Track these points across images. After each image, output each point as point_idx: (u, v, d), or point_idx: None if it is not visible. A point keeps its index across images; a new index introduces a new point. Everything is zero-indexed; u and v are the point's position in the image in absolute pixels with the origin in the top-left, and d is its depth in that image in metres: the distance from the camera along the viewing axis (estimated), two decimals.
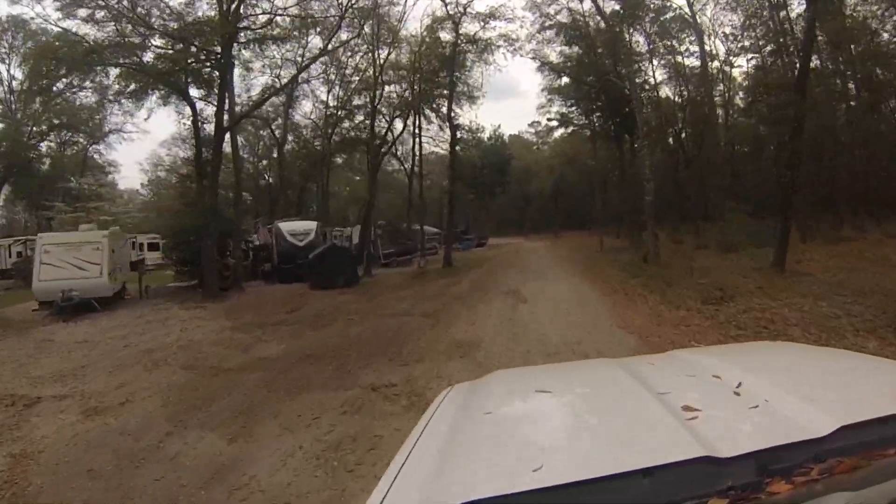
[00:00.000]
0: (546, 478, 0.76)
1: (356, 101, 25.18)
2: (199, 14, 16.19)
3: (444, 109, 23.16)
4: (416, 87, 21.46)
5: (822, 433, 0.79)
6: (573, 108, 34.66)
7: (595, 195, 44.92)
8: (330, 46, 18.52)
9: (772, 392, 0.99)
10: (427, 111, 23.97)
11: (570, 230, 49.46)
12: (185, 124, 21.61)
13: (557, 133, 55.45)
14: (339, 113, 25.22)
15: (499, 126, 44.71)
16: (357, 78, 24.20)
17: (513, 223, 56.78)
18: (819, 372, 1.23)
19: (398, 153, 31.31)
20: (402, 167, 33.70)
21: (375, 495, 0.86)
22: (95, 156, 37.31)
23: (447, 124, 21.66)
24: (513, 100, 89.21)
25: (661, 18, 26.68)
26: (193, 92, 17.57)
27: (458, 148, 22.19)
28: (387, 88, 24.48)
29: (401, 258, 24.40)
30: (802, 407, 0.91)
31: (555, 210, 50.45)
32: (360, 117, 25.65)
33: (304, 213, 32.38)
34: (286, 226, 21.76)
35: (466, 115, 51.20)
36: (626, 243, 25.97)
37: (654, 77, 30.21)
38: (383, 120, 25.65)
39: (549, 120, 31.35)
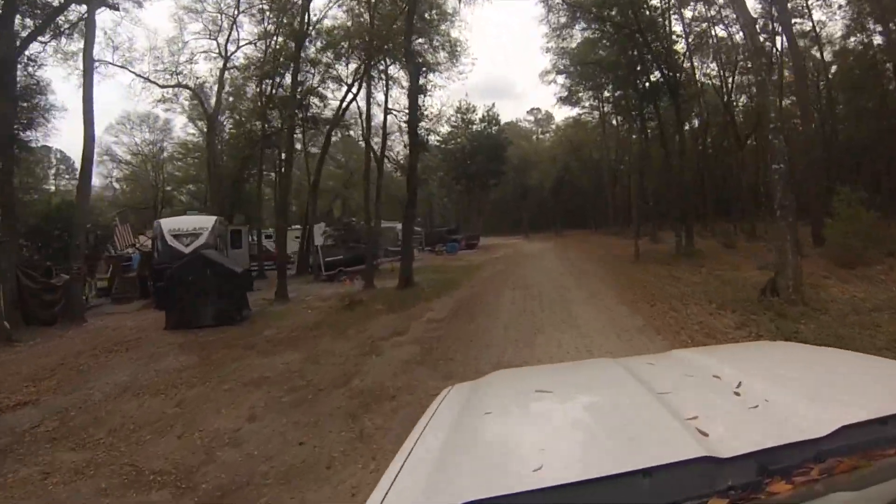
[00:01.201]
0: (546, 478, 0.74)
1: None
2: None
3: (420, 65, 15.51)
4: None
5: (822, 433, 0.77)
6: (582, 85, 27.39)
7: (608, 187, 37.69)
8: None
9: (772, 392, 0.97)
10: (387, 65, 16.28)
11: (573, 228, 42.15)
12: None
13: (560, 118, 48.20)
14: (275, 67, 17.48)
15: (492, 105, 36.84)
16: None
17: (509, 220, 49.02)
18: (819, 372, 1.19)
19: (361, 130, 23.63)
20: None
21: (375, 495, 0.83)
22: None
23: (405, 62, 13.92)
24: (508, 100, 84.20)
25: None
26: None
27: (423, 101, 14.49)
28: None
29: (353, 269, 16.79)
30: (802, 407, 0.89)
31: (556, 206, 42.60)
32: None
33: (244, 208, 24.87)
34: (170, 223, 14.32)
35: (454, 91, 43.23)
36: (664, 247, 18.49)
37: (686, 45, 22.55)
38: (330, 83, 18.08)
39: (558, 72, 23.63)
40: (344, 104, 19.11)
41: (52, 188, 46.10)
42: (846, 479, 0.64)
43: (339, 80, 18.05)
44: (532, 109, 55.72)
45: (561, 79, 26.37)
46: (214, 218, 14.94)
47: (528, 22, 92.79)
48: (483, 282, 14.06)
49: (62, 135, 62.16)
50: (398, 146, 21.86)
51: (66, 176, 48.42)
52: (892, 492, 0.61)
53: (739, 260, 14.03)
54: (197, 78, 25.41)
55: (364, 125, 15.56)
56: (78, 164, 39.86)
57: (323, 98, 17.65)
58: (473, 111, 35.59)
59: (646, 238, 28.75)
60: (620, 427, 0.93)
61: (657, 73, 17.92)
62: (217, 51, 23.12)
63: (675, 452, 0.74)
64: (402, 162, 16.44)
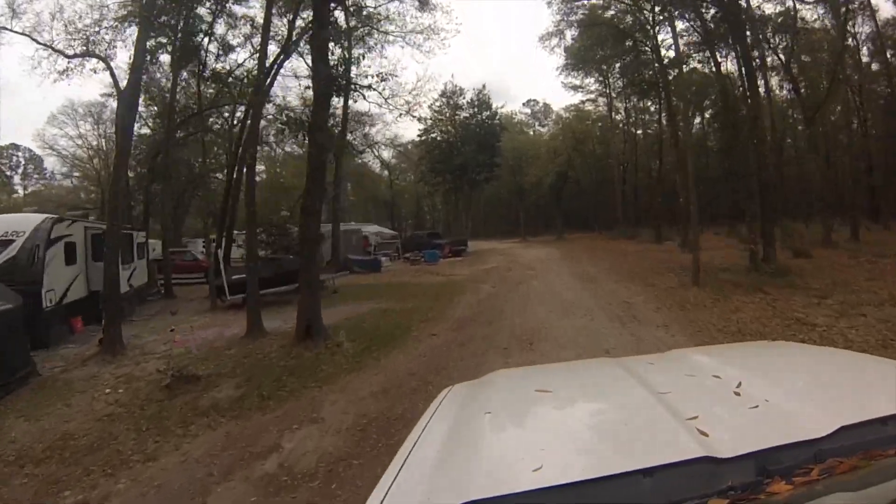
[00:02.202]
0: (546, 478, 0.75)
1: None
2: None
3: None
4: None
5: (821, 433, 0.78)
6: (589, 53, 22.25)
7: (618, 183, 32.33)
8: None
9: (772, 392, 0.98)
10: None
11: (575, 230, 39.13)
12: None
13: (560, 106, 43.12)
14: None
15: (483, 87, 31.49)
16: None
17: (504, 221, 43.93)
18: (819, 372, 1.21)
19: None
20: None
21: (375, 495, 0.84)
22: None
23: None
24: (503, 102, 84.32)
25: None
26: None
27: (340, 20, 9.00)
28: None
29: (275, 290, 11.29)
30: (802, 407, 0.90)
31: (557, 205, 37.22)
32: None
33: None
34: None
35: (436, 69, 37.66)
36: (712, 257, 12.95)
37: None
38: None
39: (566, 27, 18.44)
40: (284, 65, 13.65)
41: (21, 189, 42.13)
42: (846, 480, 0.64)
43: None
44: (529, 101, 50.77)
45: (564, 44, 21.07)
46: (41, 217, 9.59)
47: (524, 20, 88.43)
48: (456, 326, 8.33)
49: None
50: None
51: (36, 175, 44.04)
52: (892, 492, 0.61)
53: (869, 285, 8.68)
54: (107, 42, 19.88)
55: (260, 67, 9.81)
56: (47, 164, 32.78)
57: (221, 41, 12.25)
58: (461, 94, 30.26)
59: (668, 243, 23.47)
60: (620, 427, 0.94)
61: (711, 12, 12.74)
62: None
63: (676, 452, 0.75)
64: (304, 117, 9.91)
